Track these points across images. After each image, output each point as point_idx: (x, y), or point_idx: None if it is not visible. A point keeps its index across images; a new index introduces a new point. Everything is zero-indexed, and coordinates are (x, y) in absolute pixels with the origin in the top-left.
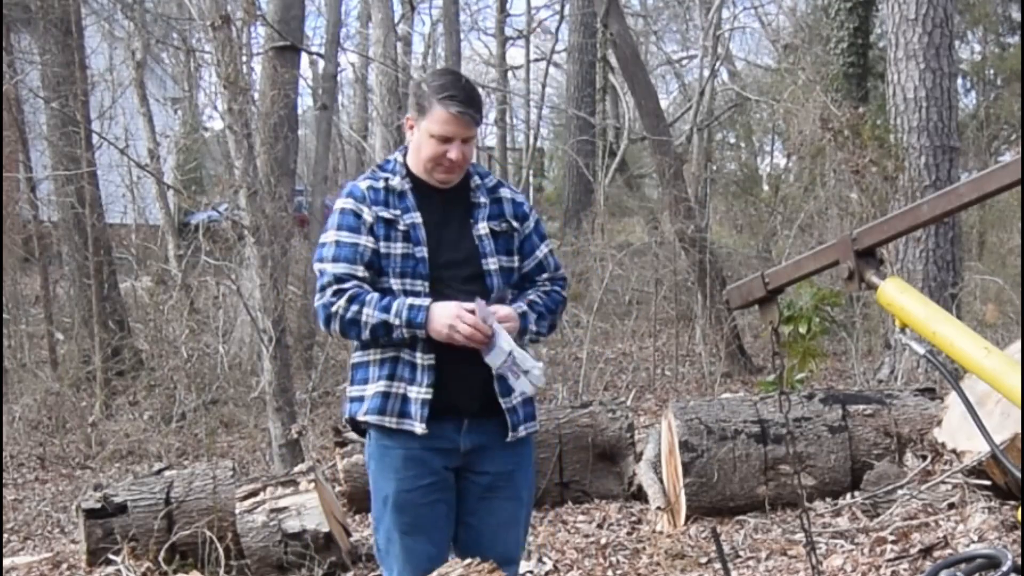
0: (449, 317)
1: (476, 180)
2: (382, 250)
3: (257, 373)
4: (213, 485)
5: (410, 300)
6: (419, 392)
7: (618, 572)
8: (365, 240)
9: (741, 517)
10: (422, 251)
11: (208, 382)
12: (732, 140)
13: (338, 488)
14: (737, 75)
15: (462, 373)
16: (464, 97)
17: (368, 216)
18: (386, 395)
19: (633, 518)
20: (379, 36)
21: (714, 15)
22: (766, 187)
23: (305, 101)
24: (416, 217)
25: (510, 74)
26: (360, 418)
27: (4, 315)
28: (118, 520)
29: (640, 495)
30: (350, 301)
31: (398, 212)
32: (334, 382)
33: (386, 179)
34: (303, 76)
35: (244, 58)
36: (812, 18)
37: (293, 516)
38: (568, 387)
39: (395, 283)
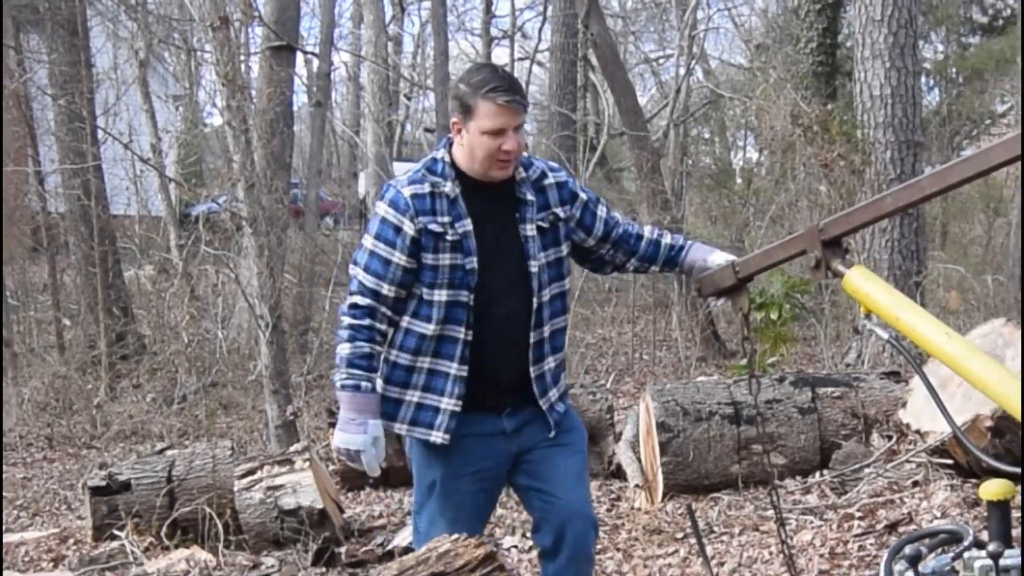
0: (344, 443)
1: (521, 173)
2: (428, 262)
3: (254, 357)
4: (213, 464)
5: (352, 394)
6: (448, 403)
7: (600, 545)
8: (399, 258)
9: (715, 494)
10: (472, 262)
11: (208, 366)
12: (707, 135)
13: (331, 467)
14: (711, 73)
15: (495, 378)
16: (507, 85)
17: (410, 230)
18: (420, 406)
19: (613, 495)
20: (371, 36)
21: (689, 16)
22: (739, 180)
23: (300, 98)
24: (467, 225)
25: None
26: (396, 429)
27: (14, 302)
28: (122, 497)
29: (619, 473)
30: (355, 330)
31: (447, 220)
32: (328, 366)
33: (434, 184)
34: (298, 74)
35: (242, 57)
36: (782, 19)
37: (289, 493)
38: None
39: (440, 293)
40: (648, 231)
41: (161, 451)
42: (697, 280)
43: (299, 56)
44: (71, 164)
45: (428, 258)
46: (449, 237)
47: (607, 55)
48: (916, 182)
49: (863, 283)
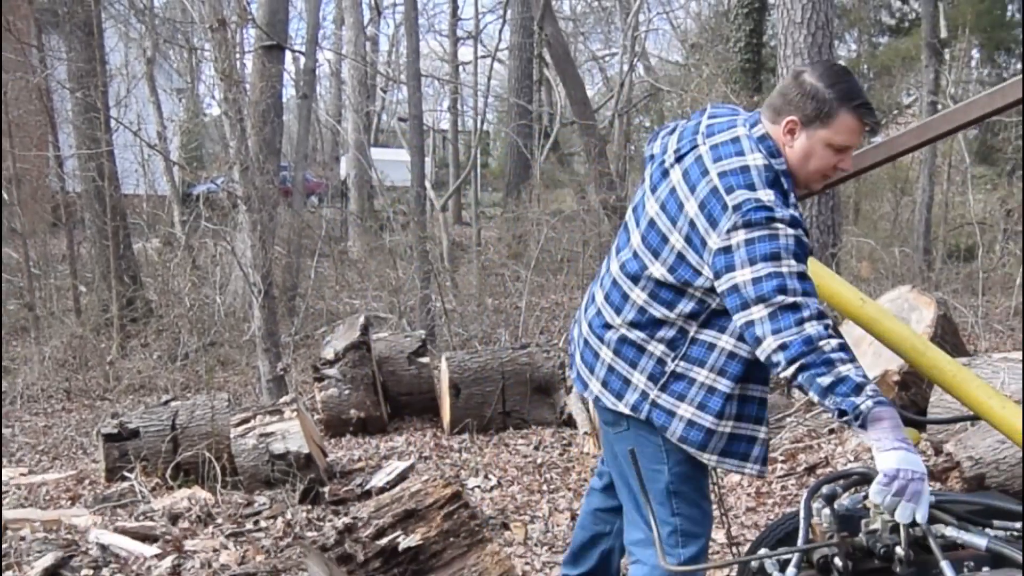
0: (911, 464)
1: None
2: None
3: (248, 320)
4: (211, 414)
5: (889, 409)
6: (765, 432)
7: (551, 486)
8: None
9: None
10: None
11: (207, 327)
12: (647, 124)
13: (316, 416)
14: (651, 69)
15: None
16: (871, 104)
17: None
18: (737, 437)
19: (564, 441)
20: (351, 36)
21: (632, 19)
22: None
23: (288, 91)
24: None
25: (461, 69)
26: (704, 457)
27: (36, 271)
28: (132, 443)
29: (570, 422)
30: (841, 348)
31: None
32: (313, 327)
33: (793, 199)
34: (287, 70)
35: (237, 55)
36: (714, 21)
37: (279, 440)
38: (509, 331)
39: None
40: None
41: (166, 402)
42: None
43: (288, 54)
44: (87, 149)
45: None
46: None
47: (559, 53)
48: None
49: None
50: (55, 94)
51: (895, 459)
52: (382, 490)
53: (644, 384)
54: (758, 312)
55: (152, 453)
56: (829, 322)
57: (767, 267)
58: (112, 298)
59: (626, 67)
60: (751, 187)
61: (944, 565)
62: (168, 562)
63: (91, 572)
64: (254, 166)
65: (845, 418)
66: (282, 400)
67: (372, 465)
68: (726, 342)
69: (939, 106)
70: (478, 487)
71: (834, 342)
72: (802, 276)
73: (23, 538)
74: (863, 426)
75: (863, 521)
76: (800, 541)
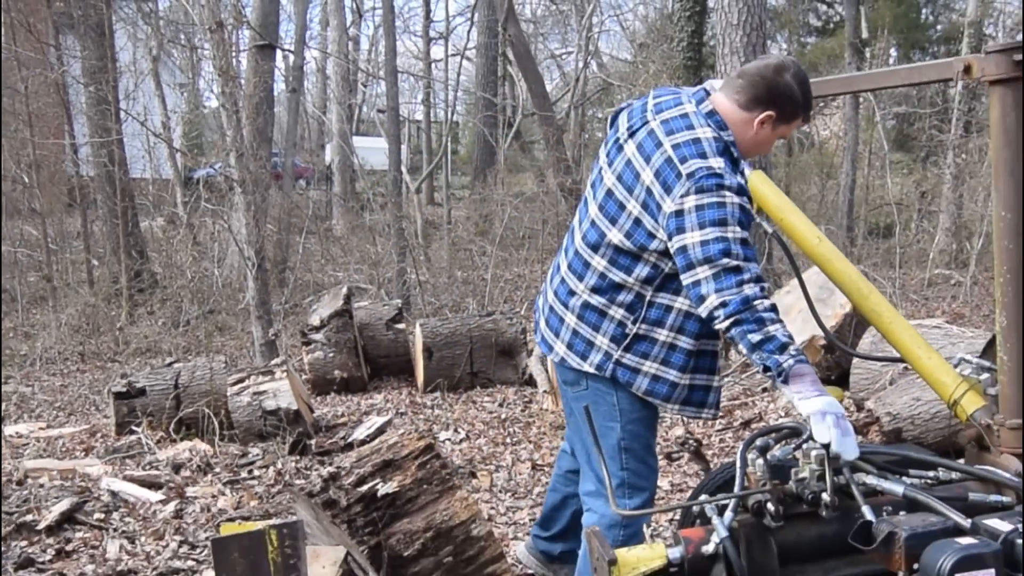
0: (830, 406)
1: None
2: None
3: (243, 290)
4: (210, 374)
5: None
6: (718, 381)
7: (514, 439)
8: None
9: None
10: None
11: (206, 297)
12: (600, 115)
13: (304, 377)
14: (604, 66)
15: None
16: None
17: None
18: (695, 387)
19: (526, 399)
20: (335, 37)
21: (586, 21)
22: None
23: (279, 86)
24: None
25: (433, 66)
26: (668, 407)
27: (53, 246)
28: (139, 400)
29: (531, 382)
30: (772, 309)
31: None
32: (301, 297)
33: (736, 160)
34: (278, 67)
35: (233, 53)
36: (659, 23)
37: (270, 397)
38: (477, 300)
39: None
40: None
41: (169, 364)
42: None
43: (278, 53)
44: (99, 137)
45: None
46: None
47: (521, 52)
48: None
49: (760, 184)
50: (70, 88)
51: (819, 403)
52: (363, 442)
53: (607, 346)
54: (703, 272)
55: (157, 409)
56: (765, 285)
57: (714, 232)
58: (121, 271)
59: (581, 64)
60: (703, 156)
61: (865, 509)
62: (171, 507)
63: (103, 516)
64: (248, 153)
65: (769, 373)
66: (273, 362)
67: (354, 420)
68: (681, 303)
69: (860, 99)
70: (448, 440)
71: (767, 303)
72: (744, 242)
73: (42, 485)
74: (785, 381)
75: (793, 470)
76: (737, 488)
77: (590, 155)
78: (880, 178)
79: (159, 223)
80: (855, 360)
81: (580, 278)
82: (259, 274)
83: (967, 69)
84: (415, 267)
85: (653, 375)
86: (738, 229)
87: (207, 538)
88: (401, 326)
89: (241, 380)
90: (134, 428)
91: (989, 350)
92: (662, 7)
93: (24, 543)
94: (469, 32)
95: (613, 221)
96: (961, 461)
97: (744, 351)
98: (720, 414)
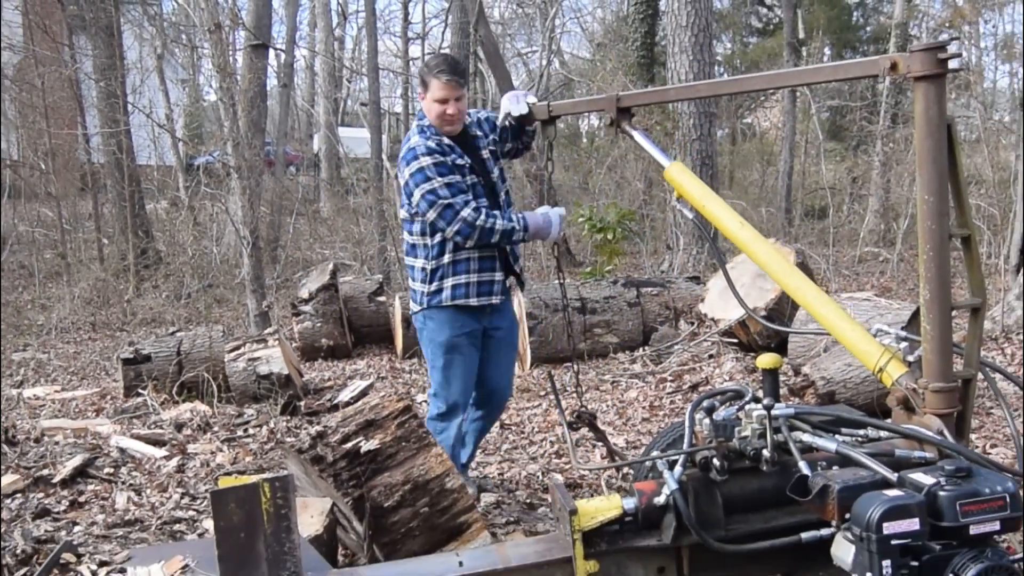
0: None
1: (469, 119)
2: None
3: (239, 266)
4: (209, 342)
5: (519, 213)
6: (500, 275)
7: None
8: (458, 178)
9: (568, 363)
10: (475, 178)
11: (206, 272)
12: None
13: (294, 344)
14: (565, 64)
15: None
16: (449, 68)
17: (448, 161)
18: (485, 282)
19: None
20: (322, 37)
21: (549, 23)
22: (585, 139)
23: (271, 82)
24: (464, 158)
25: (411, 63)
26: (472, 301)
27: (68, 227)
28: (145, 366)
29: None
30: (488, 216)
31: (454, 157)
32: (291, 272)
33: (438, 140)
34: (270, 64)
35: (230, 52)
36: (616, 25)
37: (264, 363)
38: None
39: (475, 202)
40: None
41: (172, 333)
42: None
43: (271, 51)
44: (108, 128)
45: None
46: (460, 163)
47: (491, 51)
48: (693, 86)
49: (679, 175)
50: (83, 83)
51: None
52: (347, 404)
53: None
54: (432, 215)
55: (161, 374)
56: (476, 205)
57: (424, 187)
58: (129, 249)
59: (544, 62)
60: (411, 150)
61: (802, 464)
62: (174, 462)
63: (112, 470)
64: (244, 142)
65: (522, 238)
66: (266, 331)
67: (339, 384)
68: (444, 237)
69: (797, 93)
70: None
71: (483, 216)
72: (449, 184)
73: (57, 443)
74: (530, 232)
75: (736, 429)
76: (685, 445)
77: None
78: (815, 165)
79: (163, 206)
80: (795, 325)
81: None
82: (253, 252)
83: (894, 66)
84: (395, 245)
85: (452, 285)
86: (439, 179)
87: (206, 491)
88: (382, 299)
89: (237, 347)
90: (140, 391)
91: (914, 321)
92: (618, 10)
93: (41, 495)
94: (443, 33)
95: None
96: (888, 421)
97: (503, 244)
98: (505, 296)
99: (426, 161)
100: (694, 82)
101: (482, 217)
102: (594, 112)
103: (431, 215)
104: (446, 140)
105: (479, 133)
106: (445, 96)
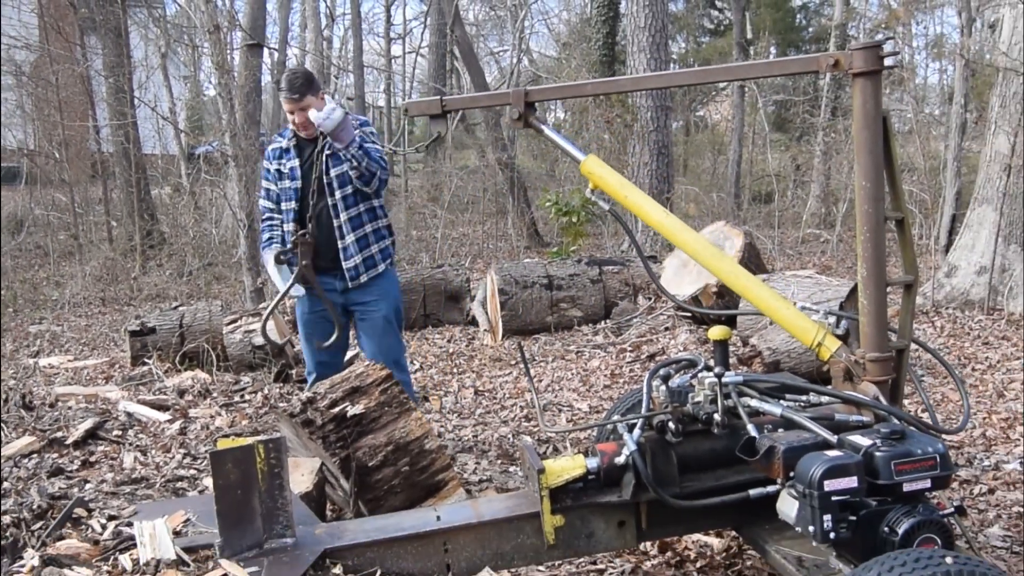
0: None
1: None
2: None
3: (236, 246)
4: (209, 316)
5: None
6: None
7: (461, 369)
8: (272, 187)
9: (536, 335)
10: (295, 183)
11: (206, 252)
12: None
13: (286, 317)
14: (534, 62)
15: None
16: (287, 86)
17: (274, 166)
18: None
19: (470, 336)
20: (312, 37)
21: (519, 24)
22: None
23: (265, 78)
24: (296, 160)
25: (393, 61)
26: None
27: (80, 211)
28: (150, 338)
29: (474, 322)
30: (263, 229)
31: (285, 159)
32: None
33: (283, 142)
34: (264, 62)
35: (228, 51)
36: (579, 26)
37: (258, 335)
38: (429, 255)
39: (274, 210)
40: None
41: (175, 307)
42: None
43: (265, 50)
44: (117, 120)
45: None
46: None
47: (465, 49)
48: (614, 80)
49: (597, 167)
50: (93, 80)
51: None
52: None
53: None
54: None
55: (165, 345)
56: (268, 207)
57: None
58: (135, 230)
59: (515, 60)
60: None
61: (750, 427)
62: (177, 425)
63: (120, 433)
64: (240, 133)
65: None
66: (261, 305)
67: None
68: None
69: (745, 89)
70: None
71: (262, 226)
72: (266, 189)
73: (70, 407)
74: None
75: (690, 395)
76: (643, 410)
77: (522, 135)
78: (762, 154)
79: (167, 191)
80: (742, 303)
81: None
82: (249, 233)
83: (836, 63)
84: None
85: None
86: (263, 181)
87: (206, 451)
88: None
89: (234, 320)
90: (146, 360)
91: (852, 296)
92: (582, 12)
93: (55, 455)
94: (422, 34)
95: None
96: (829, 387)
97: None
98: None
99: (264, 162)
100: (615, 77)
101: (263, 226)
102: (495, 104)
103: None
104: (292, 143)
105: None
106: (288, 109)
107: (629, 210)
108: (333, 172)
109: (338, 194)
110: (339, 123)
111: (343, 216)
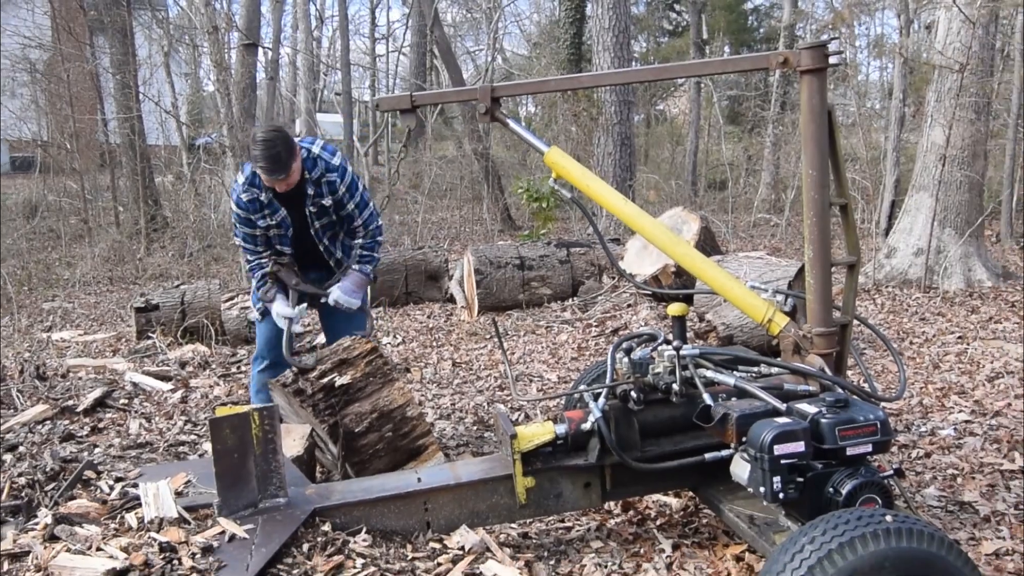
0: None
1: (308, 176)
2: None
3: (233, 229)
4: (208, 293)
5: (263, 292)
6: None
7: (440, 343)
8: (249, 230)
9: (509, 312)
10: (278, 230)
11: (205, 235)
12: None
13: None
14: (507, 60)
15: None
16: (271, 167)
17: (252, 218)
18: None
19: (448, 312)
20: (303, 37)
21: (493, 25)
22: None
23: (260, 75)
24: (275, 217)
25: (377, 59)
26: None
27: (89, 197)
28: (154, 314)
29: (452, 300)
30: (252, 269)
31: (260, 215)
32: None
33: (256, 195)
34: (259, 60)
35: (226, 50)
36: (549, 27)
37: (254, 313)
38: (410, 238)
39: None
40: (360, 242)
41: (177, 286)
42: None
43: (260, 49)
44: (123, 114)
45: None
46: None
47: (444, 48)
48: (576, 77)
49: (560, 158)
50: (101, 76)
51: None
52: (323, 345)
53: None
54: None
55: (168, 320)
56: (248, 248)
57: (232, 218)
58: (140, 215)
59: (489, 59)
60: (234, 187)
61: (706, 396)
62: (179, 394)
63: (126, 401)
64: (237, 126)
65: (256, 299)
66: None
67: (317, 328)
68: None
69: (701, 84)
70: (389, 343)
71: (251, 265)
72: (239, 225)
73: (80, 378)
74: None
75: (650, 367)
76: (608, 380)
77: (496, 127)
78: (716, 145)
79: (169, 179)
80: (698, 282)
81: None
82: None
83: (786, 61)
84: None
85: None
86: (235, 217)
87: (205, 418)
88: None
89: (231, 298)
90: (150, 335)
91: (799, 276)
92: (551, 15)
93: (67, 422)
94: (404, 34)
95: None
96: (778, 359)
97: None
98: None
99: (234, 208)
100: (576, 74)
101: (252, 265)
102: (463, 100)
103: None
104: (263, 197)
105: (310, 192)
106: (272, 184)
107: (591, 198)
108: (318, 224)
109: (325, 240)
110: (359, 295)
111: (325, 241)
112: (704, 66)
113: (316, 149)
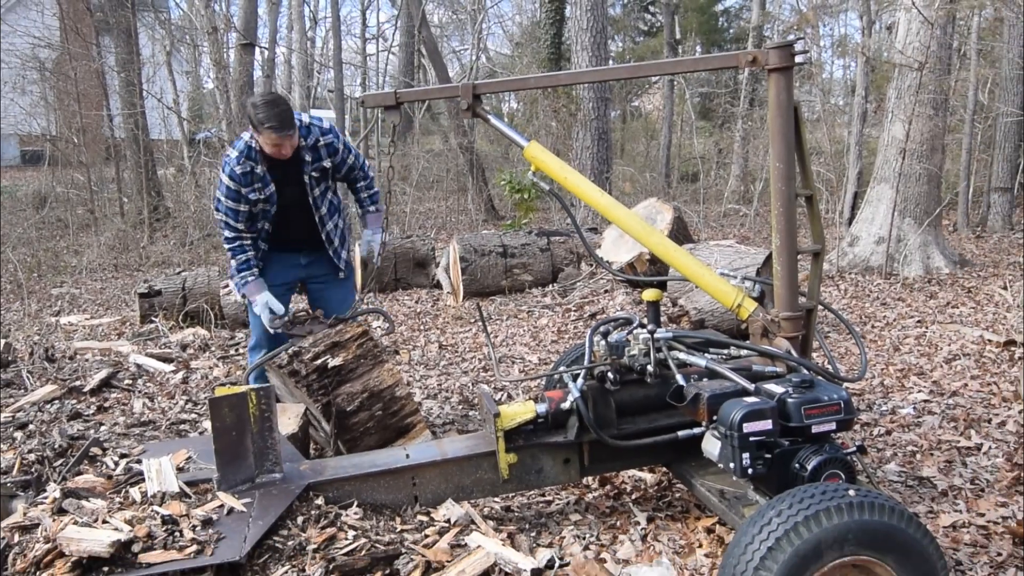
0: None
1: (304, 143)
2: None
3: None
4: (208, 280)
5: (251, 277)
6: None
7: (427, 326)
8: (237, 206)
9: (492, 297)
10: (267, 207)
11: (205, 224)
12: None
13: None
14: (491, 59)
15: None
16: (279, 124)
17: (242, 191)
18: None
19: (435, 298)
20: (297, 37)
21: (478, 26)
22: (506, 119)
23: (257, 72)
24: (267, 189)
25: (368, 58)
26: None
27: (96, 188)
28: (156, 299)
29: (438, 286)
30: (233, 252)
31: (253, 187)
32: None
33: (251, 167)
34: (256, 59)
35: (224, 49)
36: (530, 28)
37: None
38: (399, 227)
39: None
40: (364, 184)
41: (178, 273)
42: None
43: (256, 49)
44: (127, 110)
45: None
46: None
47: (431, 48)
48: (555, 75)
49: (540, 153)
50: (107, 74)
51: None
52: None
53: None
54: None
55: (170, 305)
56: (230, 222)
57: (217, 193)
58: (144, 206)
59: (474, 58)
60: (225, 160)
61: (679, 377)
62: (180, 375)
63: (131, 382)
64: (235, 121)
65: (238, 284)
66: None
67: (311, 314)
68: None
69: (674, 82)
70: (379, 327)
71: (230, 245)
72: (230, 209)
73: (87, 359)
74: (243, 290)
75: (626, 349)
76: (586, 361)
77: (480, 123)
78: (689, 139)
79: (171, 172)
80: (671, 270)
81: None
82: None
83: (755, 60)
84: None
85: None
86: (224, 192)
87: (205, 398)
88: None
89: (230, 284)
90: (153, 319)
91: (767, 263)
92: (533, 16)
93: (74, 401)
94: (394, 34)
95: None
96: (747, 342)
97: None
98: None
99: (226, 180)
100: (555, 72)
101: (233, 249)
102: (445, 97)
103: (218, 217)
104: (259, 169)
105: (308, 159)
106: (275, 144)
107: (569, 190)
108: (317, 191)
109: (323, 209)
110: (380, 230)
111: (323, 210)
112: (677, 64)
113: (306, 119)
